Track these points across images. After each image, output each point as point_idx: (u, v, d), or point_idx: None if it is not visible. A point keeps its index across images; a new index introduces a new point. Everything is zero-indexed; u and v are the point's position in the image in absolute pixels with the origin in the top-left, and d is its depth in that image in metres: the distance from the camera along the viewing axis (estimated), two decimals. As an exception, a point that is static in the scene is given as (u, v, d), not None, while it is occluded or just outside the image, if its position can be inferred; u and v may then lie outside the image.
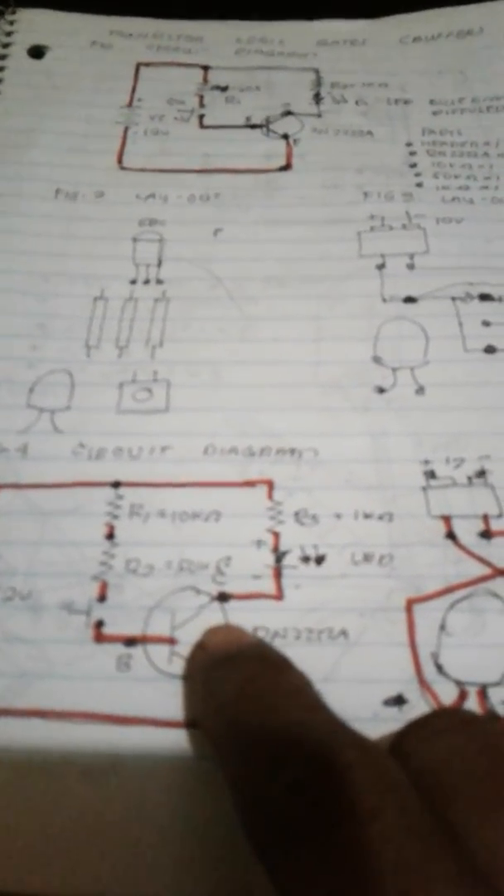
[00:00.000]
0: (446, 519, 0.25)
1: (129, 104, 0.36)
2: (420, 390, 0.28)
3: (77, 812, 0.21)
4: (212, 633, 0.23)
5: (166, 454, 0.26)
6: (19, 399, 0.28)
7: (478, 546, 0.24)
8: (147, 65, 0.38)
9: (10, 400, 0.28)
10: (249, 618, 0.23)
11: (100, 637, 0.23)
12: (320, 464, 0.26)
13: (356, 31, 0.39)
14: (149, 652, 0.23)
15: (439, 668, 0.22)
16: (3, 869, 0.20)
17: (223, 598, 0.24)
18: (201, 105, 0.37)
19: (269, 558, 0.24)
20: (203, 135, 0.35)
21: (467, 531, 0.25)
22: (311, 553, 0.24)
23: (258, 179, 0.34)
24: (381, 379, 0.28)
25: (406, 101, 0.37)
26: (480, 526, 0.25)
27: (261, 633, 0.23)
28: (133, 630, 0.23)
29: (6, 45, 0.38)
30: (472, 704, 0.22)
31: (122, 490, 0.26)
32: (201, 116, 0.36)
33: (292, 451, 0.26)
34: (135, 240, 0.32)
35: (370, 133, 0.36)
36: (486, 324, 0.29)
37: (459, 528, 0.25)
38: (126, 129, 0.35)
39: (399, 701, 0.22)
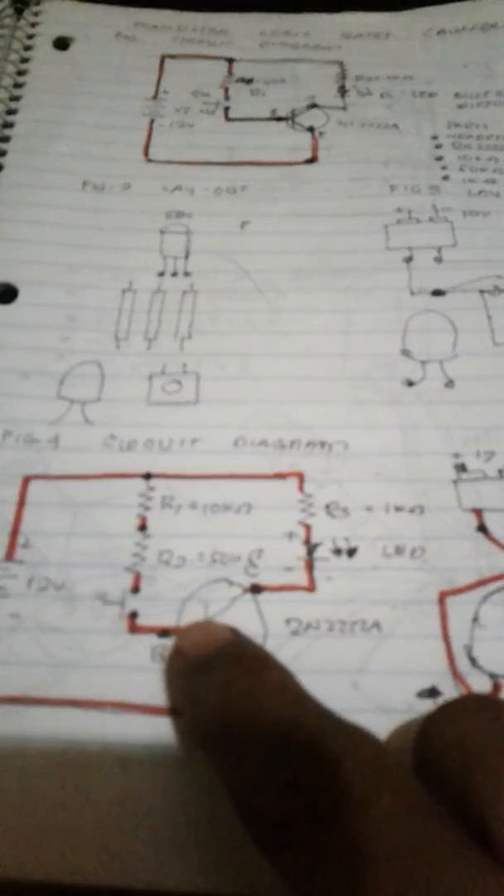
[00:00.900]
0: (477, 512, 0.25)
1: (155, 96, 0.36)
2: (449, 383, 0.28)
3: (113, 801, 0.21)
4: (185, 634, 0.22)
5: (196, 446, 0.26)
6: (50, 390, 0.28)
7: (510, 539, 0.24)
8: (172, 57, 0.38)
9: (41, 391, 0.28)
10: (282, 609, 0.23)
11: (134, 628, 0.23)
12: (350, 457, 0.26)
13: (380, 24, 0.39)
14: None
15: (473, 660, 0.22)
16: (41, 858, 0.20)
17: (256, 589, 0.24)
18: (226, 97, 0.36)
19: (301, 550, 0.24)
20: (228, 127, 0.35)
21: (499, 524, 0.25)
22: (343, 545, 0.24)
23: (284, 172, 0.34)
24: (410, 372, 0.28)
25: (431, 94, 0.37)
26: (512, 519, 0.25)
27: (293, 625, 0.23)
28: (167, 621, 0.23)
29: (32, 37, 0.38)
30: (507, 697, 0.22)
31: (153, 482, 0.26)
32: (226, 109, 0.36)
33: (322, 443, 0.26)
34: (162, 232, 0.32)
35: (395, 126, 0.35)
36: (515, 317, 0.29)
37: (491, 521, 0.25)
38: (152, 122, 0.35)
39: (433, 693, 0.22)
